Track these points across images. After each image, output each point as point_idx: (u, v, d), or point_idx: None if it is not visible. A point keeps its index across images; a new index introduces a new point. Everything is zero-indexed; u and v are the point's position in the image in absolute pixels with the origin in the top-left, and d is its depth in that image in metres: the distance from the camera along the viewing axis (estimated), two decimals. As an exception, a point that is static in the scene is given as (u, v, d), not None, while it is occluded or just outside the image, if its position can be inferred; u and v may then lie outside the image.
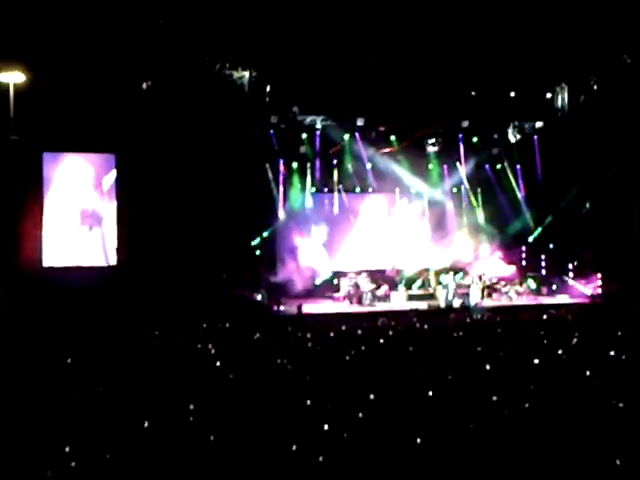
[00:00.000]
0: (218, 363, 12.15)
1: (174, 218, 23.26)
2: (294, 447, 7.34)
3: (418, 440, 7.63)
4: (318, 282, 25.76)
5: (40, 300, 20.47)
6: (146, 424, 8.17)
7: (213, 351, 13.73)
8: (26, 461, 7.12)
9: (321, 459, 7.05)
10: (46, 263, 22.59)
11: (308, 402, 9.26)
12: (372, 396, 9.60)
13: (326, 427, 8.11)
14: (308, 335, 16.48)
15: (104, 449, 7.27)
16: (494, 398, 9.47)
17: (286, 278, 24.64)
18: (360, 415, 8.64)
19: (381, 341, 15.12)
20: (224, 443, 7.58)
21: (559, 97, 26.66)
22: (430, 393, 9.75)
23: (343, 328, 18.05)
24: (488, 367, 11.19)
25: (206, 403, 9.22)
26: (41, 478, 6.72)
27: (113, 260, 23.10)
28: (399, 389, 10.14)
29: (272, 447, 7.39)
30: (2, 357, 13.29)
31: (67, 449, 7.28)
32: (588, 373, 11.00)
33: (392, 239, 27.53)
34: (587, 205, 26.60)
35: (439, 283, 25.32)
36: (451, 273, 25.40)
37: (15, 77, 21.12)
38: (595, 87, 25.55)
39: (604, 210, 26.02)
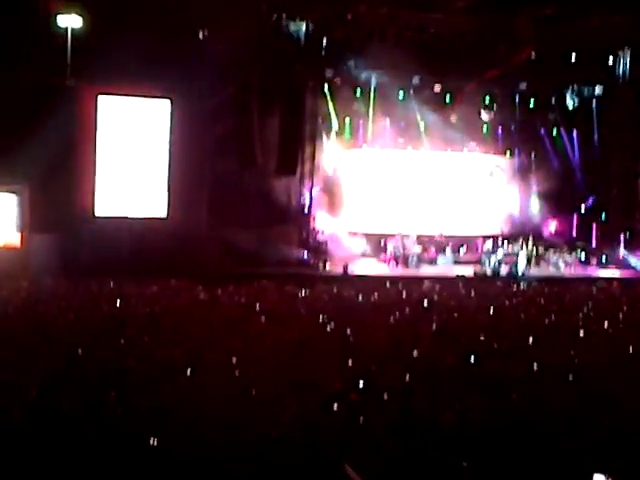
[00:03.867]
0: (263, 319, 12.27)
1: (225, 169, 23.31)
2: (335, 407, 7.43)
3: (457, 406, 7.68)
4: (360, 249, 25.57)
5: (91, 248, 20.73)
6: (189, 370, 8.46)
7: (258, 306, 13.84)
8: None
9: (361, 421, 7.12)
10: (98, 212, 22.59)
11: (350, 363, 9.32)
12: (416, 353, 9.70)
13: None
14: (352, 294, 16.56)
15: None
16: (535, 367, 9.45)
17: (332, 238, 24.65)
18: (403, 377, 8.69)
19: (425, 304, 15.14)
20: (265, 391, 7.78)
21: (621, 62, 25.92)
22: (472, 359, 9.74)
23: (387, 288, 18.14)
24: (531, 339, 11.12)
25: (246, 356, 9.35)
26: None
27: (163, 212, 23.06)
28: (440, 353, 10.16)
29: (308, 406, 7.51)
30: (54, 303, 13.60)
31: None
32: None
33: (443, 201, 27.22)
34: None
35: (486, 250, 25.09)
36: (499, 240, 25.16)
37: (73, 21, 21.22)
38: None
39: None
